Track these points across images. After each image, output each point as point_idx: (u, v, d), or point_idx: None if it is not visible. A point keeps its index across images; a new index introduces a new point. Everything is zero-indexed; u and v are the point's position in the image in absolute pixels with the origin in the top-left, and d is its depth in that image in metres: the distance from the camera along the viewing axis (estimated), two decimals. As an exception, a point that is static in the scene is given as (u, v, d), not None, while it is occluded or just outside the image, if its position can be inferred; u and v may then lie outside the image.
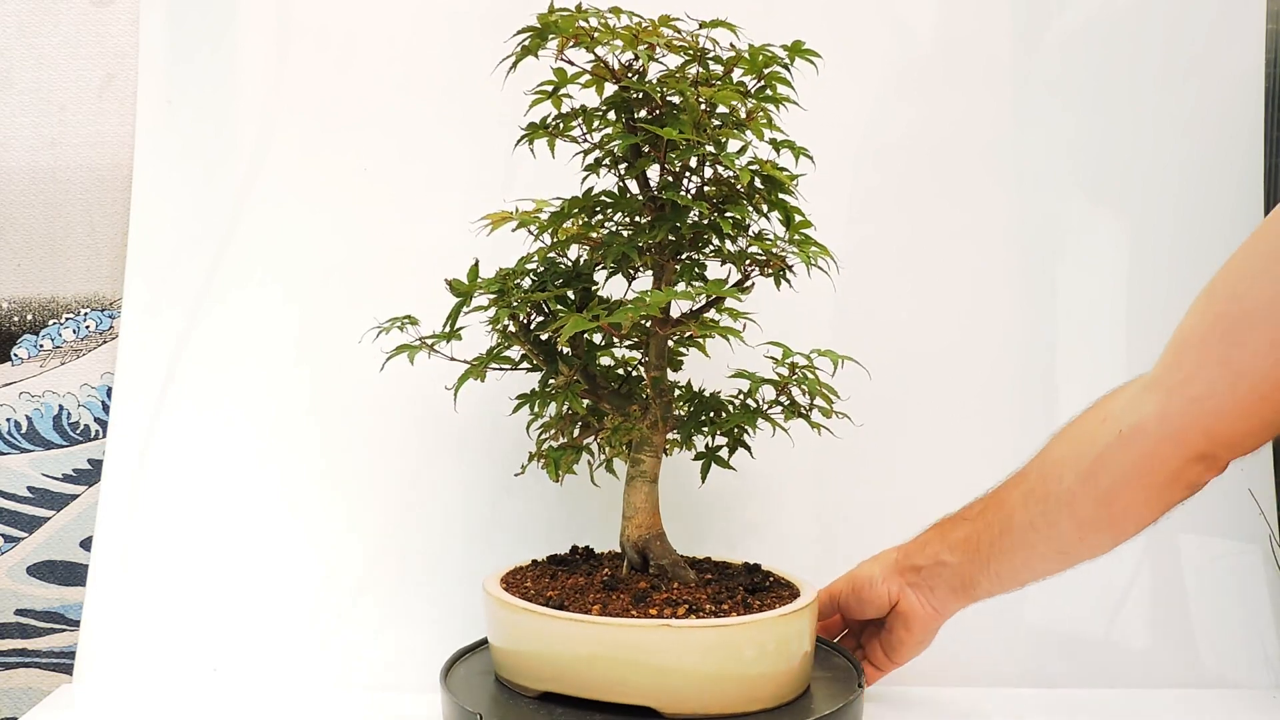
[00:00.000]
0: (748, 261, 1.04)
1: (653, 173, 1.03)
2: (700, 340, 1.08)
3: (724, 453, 1.09)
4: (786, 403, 1.04)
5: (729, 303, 1.06)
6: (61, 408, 1.39)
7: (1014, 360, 1.36)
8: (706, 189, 1.03)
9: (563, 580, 1.08)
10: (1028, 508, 1.01)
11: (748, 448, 1.09)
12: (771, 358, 1.05)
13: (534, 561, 1.16)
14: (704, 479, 1.09)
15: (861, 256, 1.34)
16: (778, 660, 0.98)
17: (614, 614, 0.98)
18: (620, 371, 1.12)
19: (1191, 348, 0.92)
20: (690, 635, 0.95)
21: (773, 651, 0.98)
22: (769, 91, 1.03)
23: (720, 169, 1.02)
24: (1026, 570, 1.04)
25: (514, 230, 1.03)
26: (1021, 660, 1.30)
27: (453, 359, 1.03)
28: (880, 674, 1.16)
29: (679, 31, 1.00)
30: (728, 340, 0.99)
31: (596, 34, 0.97)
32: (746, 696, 0.97)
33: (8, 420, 1.39)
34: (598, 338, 1.07)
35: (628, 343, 1.09)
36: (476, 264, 1.01)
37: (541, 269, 1.05)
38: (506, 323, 1.01)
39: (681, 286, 1.01)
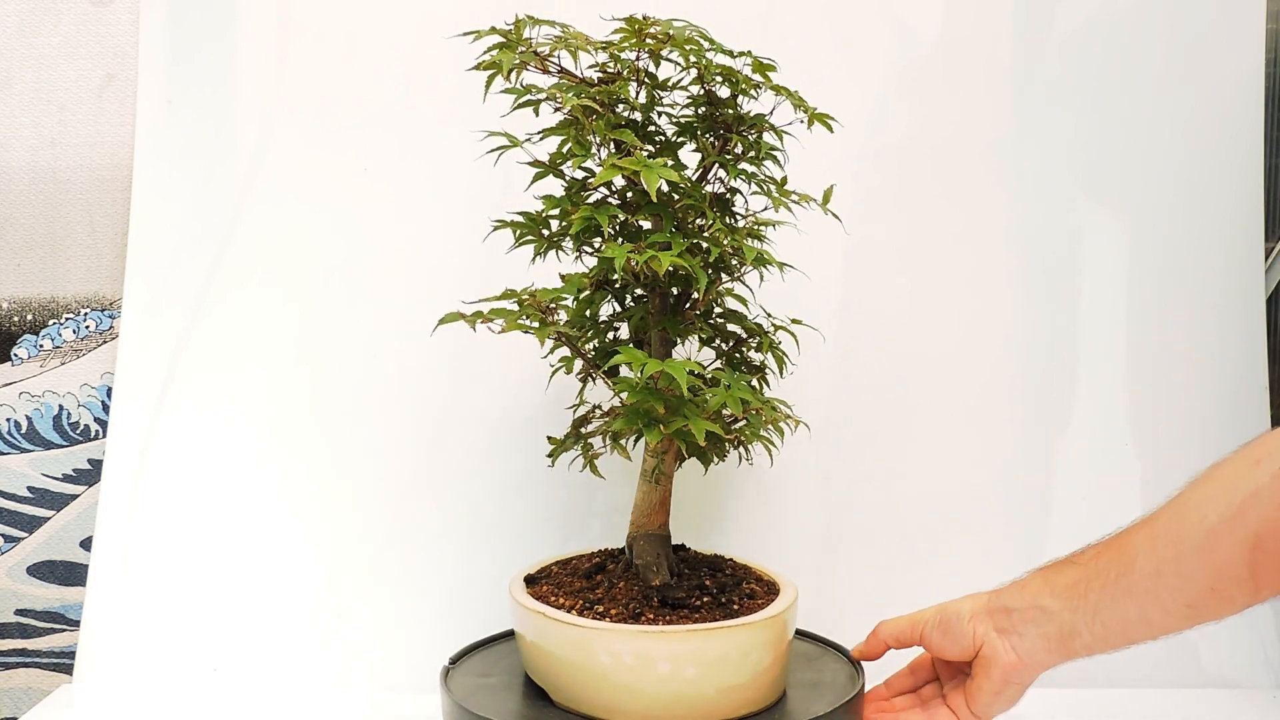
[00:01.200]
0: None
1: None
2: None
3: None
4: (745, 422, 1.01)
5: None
6: (61, 408, 1.39)
7: (1014, 359, 1.36)
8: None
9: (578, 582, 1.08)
10: (1155, 551, 0.89)
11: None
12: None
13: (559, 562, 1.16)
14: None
15: (862, 256, 1.34)
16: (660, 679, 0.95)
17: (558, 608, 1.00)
18: None
19: None
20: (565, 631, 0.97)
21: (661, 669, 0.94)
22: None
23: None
24: (1141, 625, 0.91)
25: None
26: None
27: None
28: None
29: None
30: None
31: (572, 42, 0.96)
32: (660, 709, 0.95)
33: (8, 420, 1.39)
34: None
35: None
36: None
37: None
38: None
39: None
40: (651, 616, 0.98)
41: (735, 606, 1.01)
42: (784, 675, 1.03)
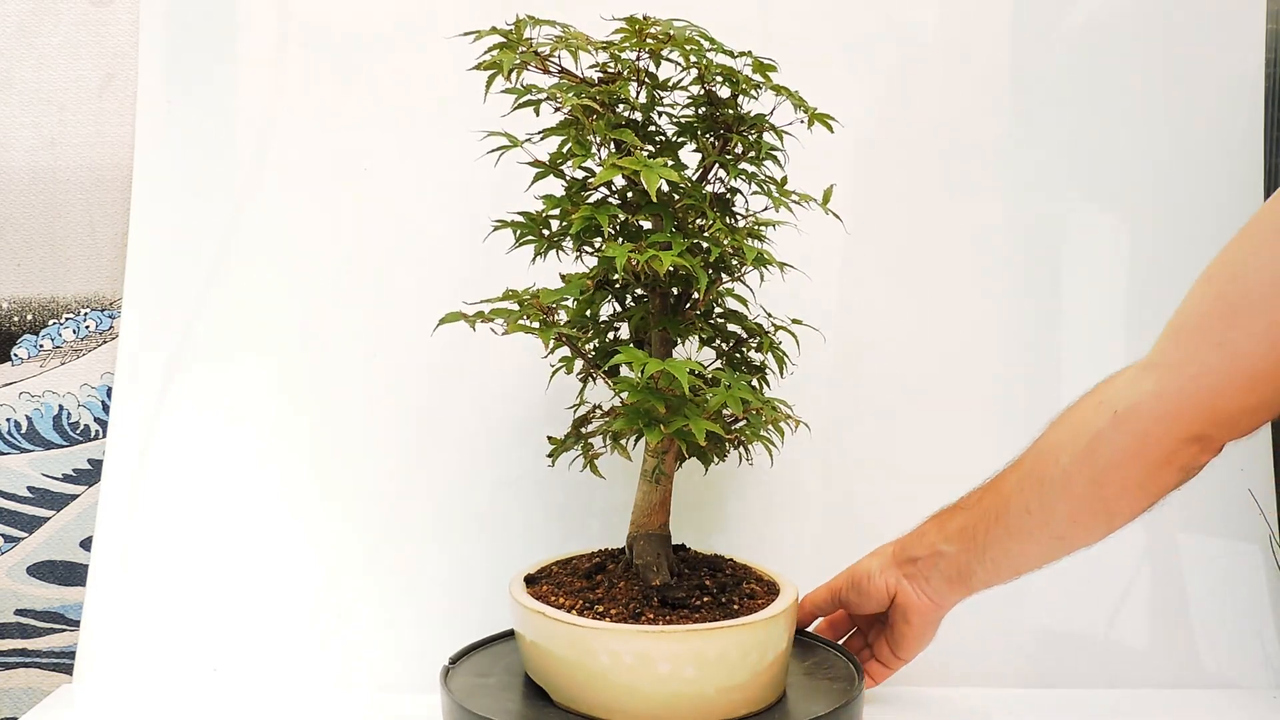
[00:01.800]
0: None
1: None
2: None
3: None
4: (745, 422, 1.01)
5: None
6: (61, 408, 1.39)
7: (1013, 359, 1.36)
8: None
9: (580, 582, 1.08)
10: (1023, 492, 1.00)
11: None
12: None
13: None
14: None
15: (862, 256, 1.34)
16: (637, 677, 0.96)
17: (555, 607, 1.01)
18: None
19: (1189, 330, 0.93)
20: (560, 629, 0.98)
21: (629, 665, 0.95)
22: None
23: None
24: (1022, 558, 1.03)
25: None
26: (1021, 660, 1.30)
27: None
28: (889, 671, 1.15)
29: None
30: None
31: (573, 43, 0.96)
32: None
33: (8, 420, 1.39)
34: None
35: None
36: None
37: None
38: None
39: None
40: (651, 616, 0.98)
41: (735, 606, 1.01)
42: (783, 675, 1.03)
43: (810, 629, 1.19)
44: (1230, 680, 1.29)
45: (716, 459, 1.08)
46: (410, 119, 1.36)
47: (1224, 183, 1.35)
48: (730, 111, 1.02)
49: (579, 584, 1.07)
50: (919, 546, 1.09)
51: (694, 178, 1.02)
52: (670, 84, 1.03)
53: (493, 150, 0.99)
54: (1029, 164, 1.36)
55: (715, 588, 1.05)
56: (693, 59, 0.97)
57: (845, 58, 1.36)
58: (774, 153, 1.04)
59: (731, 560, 1.14)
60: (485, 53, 0.99)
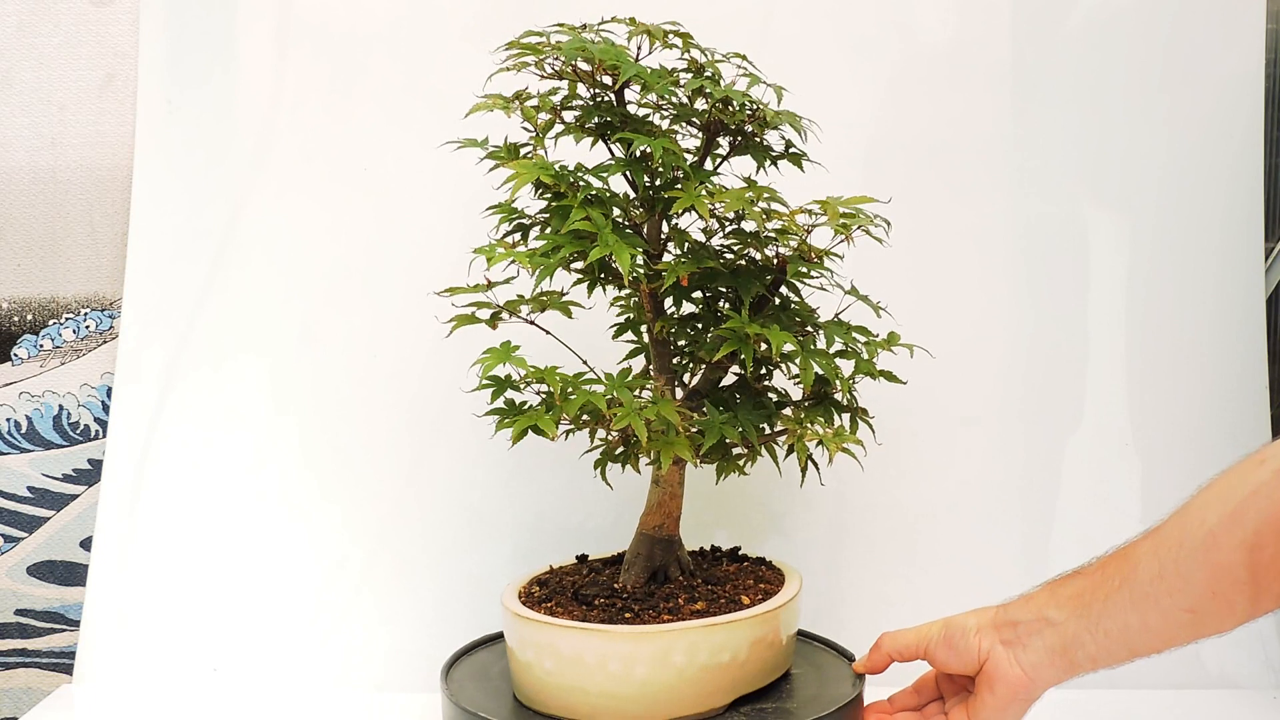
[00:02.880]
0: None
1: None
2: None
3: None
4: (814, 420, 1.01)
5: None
6: (61, 408, 1.39)
7: (1014, 359, 1.36)
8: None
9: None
10: (1157, 555, 0.87)
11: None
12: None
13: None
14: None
15: (862, 256, 1.34)
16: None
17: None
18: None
19: None
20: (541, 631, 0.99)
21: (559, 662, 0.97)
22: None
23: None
24: (1142, 633, 0.89)
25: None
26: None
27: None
28: None
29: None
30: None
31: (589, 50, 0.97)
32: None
33: (8, 420, 1.39)
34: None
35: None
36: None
37: None
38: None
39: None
40: (575, 613, 1.00)
41: (683, 608, 1.01)
42: (715, 683, 0.99)
43: (879, 673, 1.07)
44: (1230, 680, 1.29)
45: (736, 472, 1.08)
46: (410, 119, 1.36)
47: (1224, 183, 1.35)
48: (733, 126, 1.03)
49: (569, 582, 1.09)
50: (1024, 611, 0.96)
51: (694, 163, 1.03)
52: (681, 111, 1.03)
53: (493, 168, 1.00)
54: (1029, 164, 1.36)
55: (687, 590, 1.05)
56: (706, 90, 0.98)
57: (846, 59, 1.36)
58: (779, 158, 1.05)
59: (755, 563, 1.13)
60: (506, 56, 0.99)
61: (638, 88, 0.99)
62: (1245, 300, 1.35)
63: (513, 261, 0.95)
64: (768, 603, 1.02)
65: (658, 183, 0.99)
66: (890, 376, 1.07)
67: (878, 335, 1.07)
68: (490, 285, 1.03)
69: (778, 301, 1.05)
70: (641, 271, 0.97)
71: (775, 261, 1.02)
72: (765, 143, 1.04)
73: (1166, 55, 1.36)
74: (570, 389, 0.95)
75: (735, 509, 1.33)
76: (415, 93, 1.36)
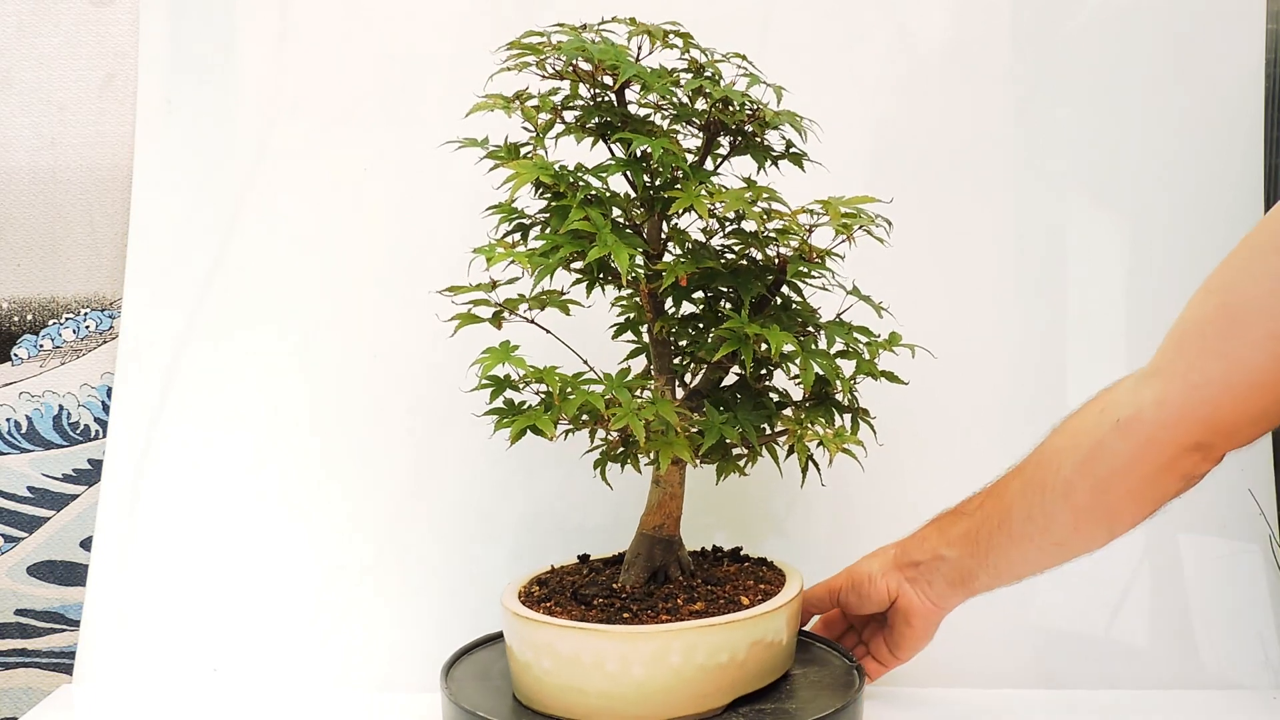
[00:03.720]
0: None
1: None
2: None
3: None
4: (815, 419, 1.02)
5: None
6: (61, 408, 1.39)
7: (1013, 359, 1.36)
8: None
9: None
10: (1026, 498, 1.01)
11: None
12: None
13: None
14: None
15: (863, 256, 1.34)
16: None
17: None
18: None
19: (1190, 339, 0.93)
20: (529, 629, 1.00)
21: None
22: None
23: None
24: (1023, 563, 1.04)
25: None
26: (1021, 660, 1.30)
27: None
28: (885, 669, 1.16)
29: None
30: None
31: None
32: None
33: (8, 420, 1.39)
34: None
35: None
36: None
37: None
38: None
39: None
40: (576, 613, 1.01)
41: (668, 609, 1.01)
42: (693, 684, 0.99)
43: (807, 627, 1.19)
44: (1230, 680, 1.29)
45: (736, 473, 1.09)
46: (410, 119, 1.36)
47: (1224, 183, 1.35)
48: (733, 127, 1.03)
49: (569, 581, 1.09)
50: (920, 551, 1.10)
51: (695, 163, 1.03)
52: (683, 112, 1.03)
53: (492, 169, 1.00)
54: (1029, 165, 1.36)
55: (686, 590, 1.05)
56: (705, 90, 0.98)
57: (847, 59, 1.36)
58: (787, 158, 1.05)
59: (767, 568, 1.13)
60: (507, 57, 0.99)
61: (638, 88, 0.99)
62: (1245, 300, 1.35)
63: (513, 261, 0.95)
64: (767, 603, 1.02)
65: (657, 183, 0.99)
66: (891, 377, 1.07)
67: (879, 336, 1.07)
68: (495, 285, 1.03)
69: (779, 302, 1.05)
70: (641, 272, 0.97)
71: (776, 262, 1.02)
72: (766, 142, 1.04)
73: (1166, 55, 1.36)
74: (569, 389, 0.95)
75: (736, 509, 1.33)
76: (415, 92, 1.36)
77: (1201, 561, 1.31)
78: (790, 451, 1.01)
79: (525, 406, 0.99)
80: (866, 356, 1.04)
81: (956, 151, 1.36)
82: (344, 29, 1.37)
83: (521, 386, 1.01)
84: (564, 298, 1.05)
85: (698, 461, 1.02)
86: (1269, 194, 1.37)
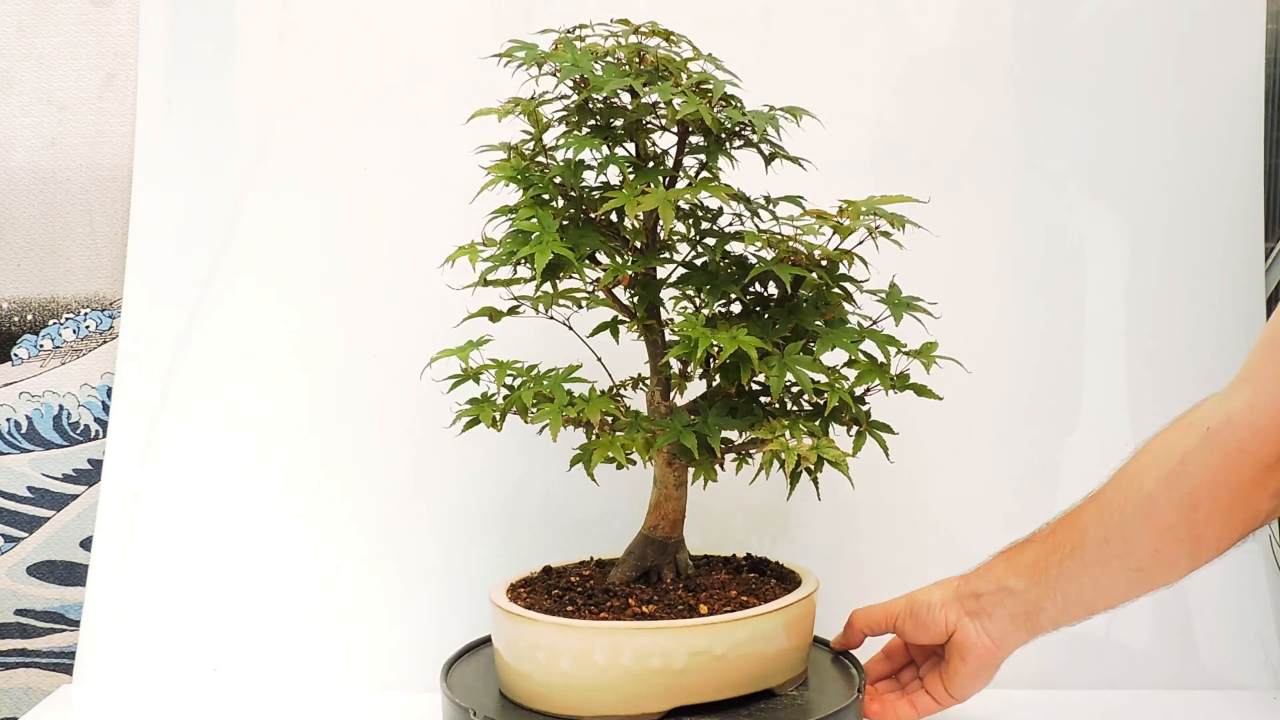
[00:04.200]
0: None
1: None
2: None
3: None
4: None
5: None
6: (61, 408, 1.39)
7: (1014, 359, 1.36)
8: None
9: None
10: (1103, 522, 0.94)
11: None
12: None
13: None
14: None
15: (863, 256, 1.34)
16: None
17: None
18: None
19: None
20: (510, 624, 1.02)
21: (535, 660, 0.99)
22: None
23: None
24: (1096, 593, 0.96)
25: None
26: (1021, 661, 1.29)
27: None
28: (939, 708, 1.08)
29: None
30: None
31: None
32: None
33: (8, 420, 1.39)
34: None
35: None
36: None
37: None
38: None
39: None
40: (547, 605, 1.02)
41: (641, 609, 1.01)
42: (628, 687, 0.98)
43: (861, 655, 1.13)
44: (1230, 681, 1.29)
45: (709, 477, 1.06)
46: (410, 118, 1.36)
47: (1224, 183, 1.35)
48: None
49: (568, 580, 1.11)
50: (985, 582, 1.02)
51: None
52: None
53: (491, 179, 1.00)
54: (1029, 165, 1.36)
55: (670, 591, 1.04)
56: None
57: (846, 57, 1.36)
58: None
59: (773, 581, 1.10)
60: (500, 57, 0.99)
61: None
62: (1245, 300, 1.35)
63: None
64: (712, 617, 0.98)
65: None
66: (922, 390, 1.03)
67: (906, 345, 1.03)
68: (485, 282, 1.03)
69: (772, 305, 1.04)
70: (602, 272, 0.98)
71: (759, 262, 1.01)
72: (725, 142, 1.03)
73: (1167, 55, 1.36)
74: (524, 383, 0.98)
75: (738, 509, 1.33)
76: (415, 92, 1.36)
77: (1201, 561, 1.31)
78: (774, 461, 0.97)
79: (488, 398, 1.01)
80: (881, 364, 1.00)
81: (957, 151, 1.36)
82: (344, 28, 1.37)
83: (498, 383, 1.02)
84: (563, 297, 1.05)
85: (647, 463, 1.01)
86: (1269, 194, 1.37)
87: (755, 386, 1.04)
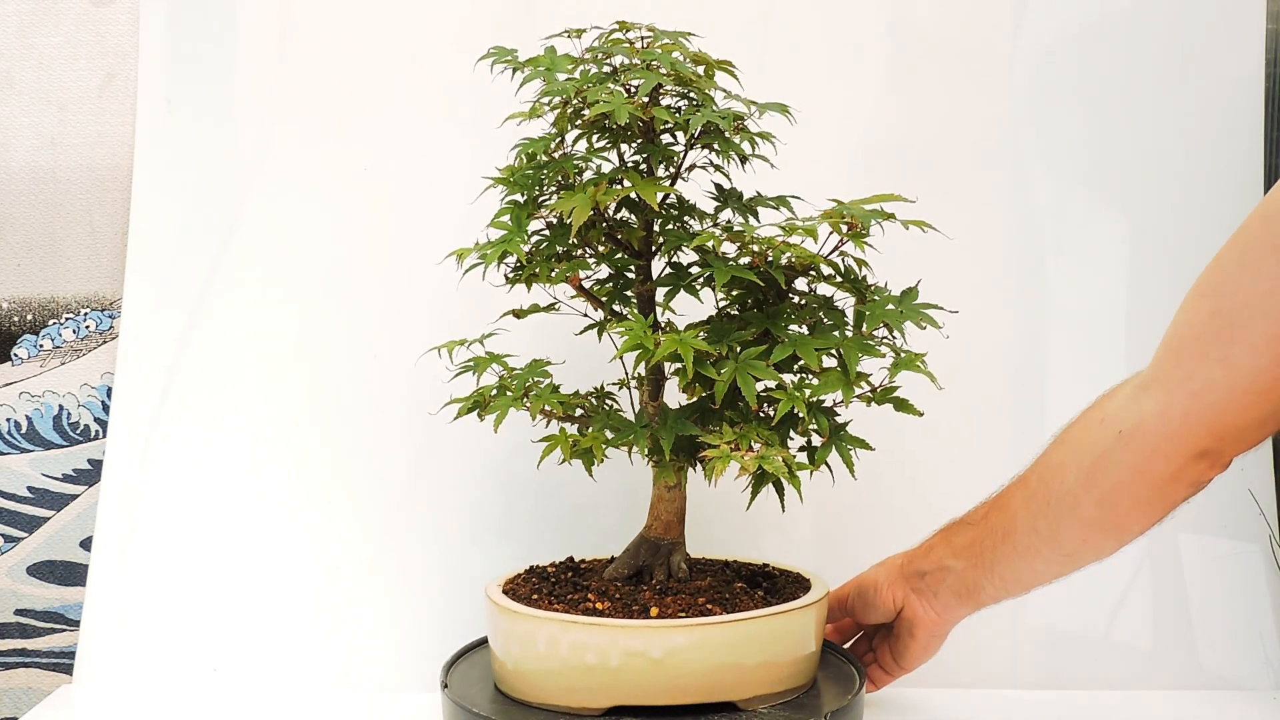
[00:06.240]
0: None
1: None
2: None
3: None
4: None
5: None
6: (61, 408, 1.39)
7: (1013, 360, 1.36)
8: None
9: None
10: (1030, 511, 1.00)
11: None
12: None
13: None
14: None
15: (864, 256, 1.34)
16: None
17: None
18: None
19: (1188, 345, 0.91)
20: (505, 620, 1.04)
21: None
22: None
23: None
24: (1030, 575, 1.03)
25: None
26: (1021, 662, 1.30)
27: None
28: (890, 678, 1.15)
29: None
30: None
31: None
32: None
33: (8, 420, 1.39)
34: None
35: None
36: None
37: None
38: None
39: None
40: (537, 600, 1.05)
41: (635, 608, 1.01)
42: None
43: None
44: (1230, 681, 1.29)
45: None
46: (411, 117, 1.36)
47: (1224, 183, 1.35)
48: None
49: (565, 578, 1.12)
50: (926, 561, 1.09)
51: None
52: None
53: (490, 186, 0.99)
54: (1030, 165, 1.36)
55: (643, 591, 1.05)
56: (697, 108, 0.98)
57: (845, 60, 1.36)
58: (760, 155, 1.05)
59: (761, 595, 1.08)
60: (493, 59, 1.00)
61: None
62: (1245, 300, 1.35)
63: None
64: (649, 620, 0.97)
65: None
66: (902, 404, 1.02)
67: (885, 355, 1.02)
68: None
69: (751, 305, 1.04)
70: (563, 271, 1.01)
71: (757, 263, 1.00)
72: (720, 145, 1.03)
73: (1166, 56, 1.36)
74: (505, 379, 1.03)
75: (734, 510, 1.33)
76: (415, 91, 1.36)
77: (1201, 561, 1.31)
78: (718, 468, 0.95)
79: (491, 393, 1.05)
80: (850, 374, 0.97)
81: (955, 152, 1.36)
82: (344, 29, 1.37)
83: (508, 380, 1.05)
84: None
85: (595, 462, 1.01)
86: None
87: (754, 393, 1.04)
